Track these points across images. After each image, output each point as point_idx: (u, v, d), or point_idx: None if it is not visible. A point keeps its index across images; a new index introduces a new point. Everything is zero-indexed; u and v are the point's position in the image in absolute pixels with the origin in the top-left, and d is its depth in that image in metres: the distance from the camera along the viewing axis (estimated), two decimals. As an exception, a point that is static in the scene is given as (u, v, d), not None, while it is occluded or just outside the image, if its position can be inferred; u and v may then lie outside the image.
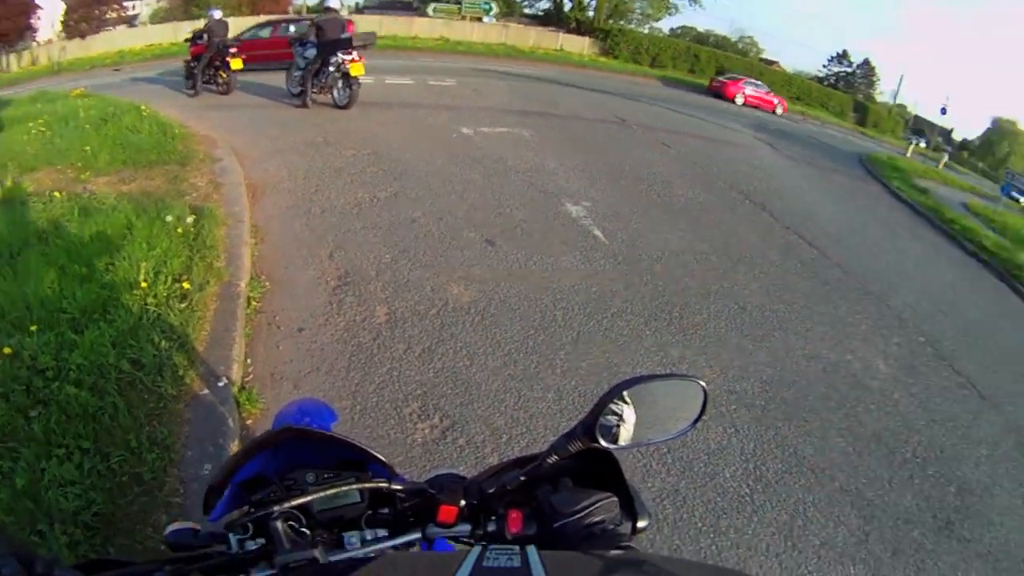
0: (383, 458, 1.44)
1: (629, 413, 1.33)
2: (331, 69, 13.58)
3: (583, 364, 6.16)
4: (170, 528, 1.30)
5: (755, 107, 42.16)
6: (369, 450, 1.43)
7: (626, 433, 1.33)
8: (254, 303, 5.81)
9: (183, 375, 4.54)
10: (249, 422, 4.48)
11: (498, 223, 8.79)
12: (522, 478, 1.38)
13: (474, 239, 8.11)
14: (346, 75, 13.48)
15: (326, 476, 1.42)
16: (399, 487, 1.38)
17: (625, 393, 1.31)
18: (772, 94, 45.47)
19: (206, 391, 4.49)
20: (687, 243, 10.06)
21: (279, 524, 1.24)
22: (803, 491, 5.57)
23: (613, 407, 1.30)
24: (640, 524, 1.37)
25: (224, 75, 14.95)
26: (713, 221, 11.54)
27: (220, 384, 4.58)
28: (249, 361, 5.07)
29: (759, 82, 45.67)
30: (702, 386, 1.41)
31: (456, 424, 4.91)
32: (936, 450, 7.00)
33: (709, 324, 7.72)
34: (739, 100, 41.79)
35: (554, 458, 1.34)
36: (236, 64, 14.75)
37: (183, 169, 8.57)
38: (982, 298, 13.65)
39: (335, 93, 13.88)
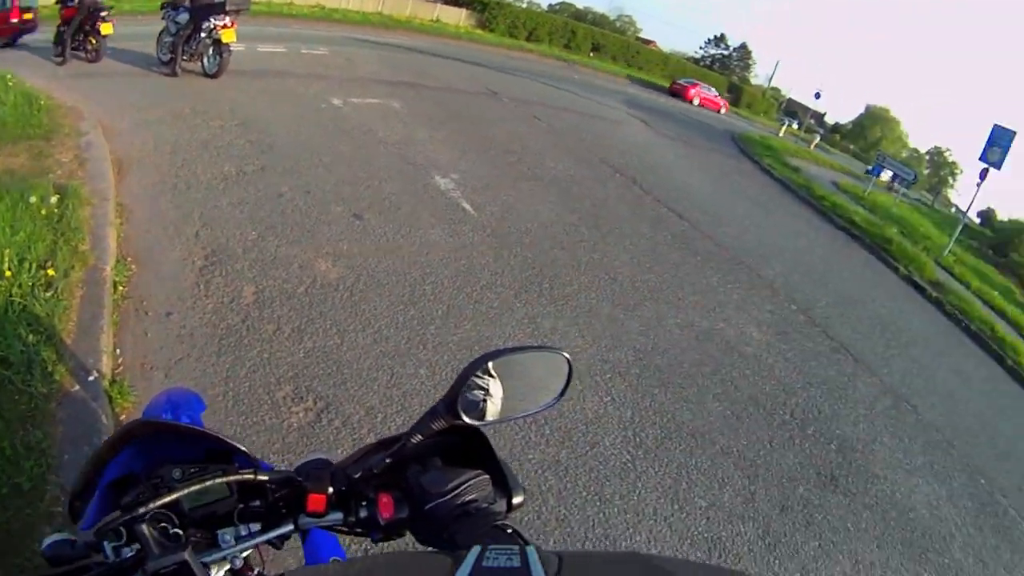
0: (245, 448, 1.41)
1: (495, 387, 1.32)
2: (203, 35, 13.04)
3: (454, 338, 6.23)
4: (46, 541, 1.24)
5: (705, 107, 46.37)
6: (230, 441, 1.39)
7: (492, 408, 1.33)
8: (121, 288, 5.59)
9: (52, 371, 4.34)
10: (122, 417, 4.33)
11: (366, 196, 8.73)
12: (387, 460, 1.35)
13: (342, 213, 8.04)
14: (217, 41, 12.97)
15: (192, 471, 1.34)
16: (266, 477, 1.34)
17: (490, 366, 1.29)
18: (719, 97, 51.08)
19: (76, 387, 4.32)
20: (557, 215, 10.24)
21: (146, 528, 1.19)
22: (685, 455, 5.77)
23: (477, 381, 1.29)
24: (515, 500, 1.36)
25: (94, 41, 13.73)
26: (583, 194, 11.74)
27: (90, 378, 4.41)
28: (118, 351, 4.89)
29: (710, 87, 51.32)
30: (566, 358, 1.40)
31: (330, 405, 4.90)
32: (814, 411, 7.32)
33: (580, 295, 7.89)
34: (696, 101, 46.72)
35: (418, 438, 1.31)
36: (107, 29, 13.55)
37: (48, 144, 8.12)
38: (852, 269, 14.26)
39: (205, 61, 13.31)
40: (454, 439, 1.41)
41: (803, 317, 9.78)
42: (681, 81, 49.68)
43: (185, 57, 13.24)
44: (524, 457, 5.10)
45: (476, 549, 0.88)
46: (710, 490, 5.52)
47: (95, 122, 9.20)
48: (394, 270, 7.09)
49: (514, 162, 12.29)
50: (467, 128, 13.94)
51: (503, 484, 1.36)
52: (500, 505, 1.32)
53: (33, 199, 6.27)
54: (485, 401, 1.31)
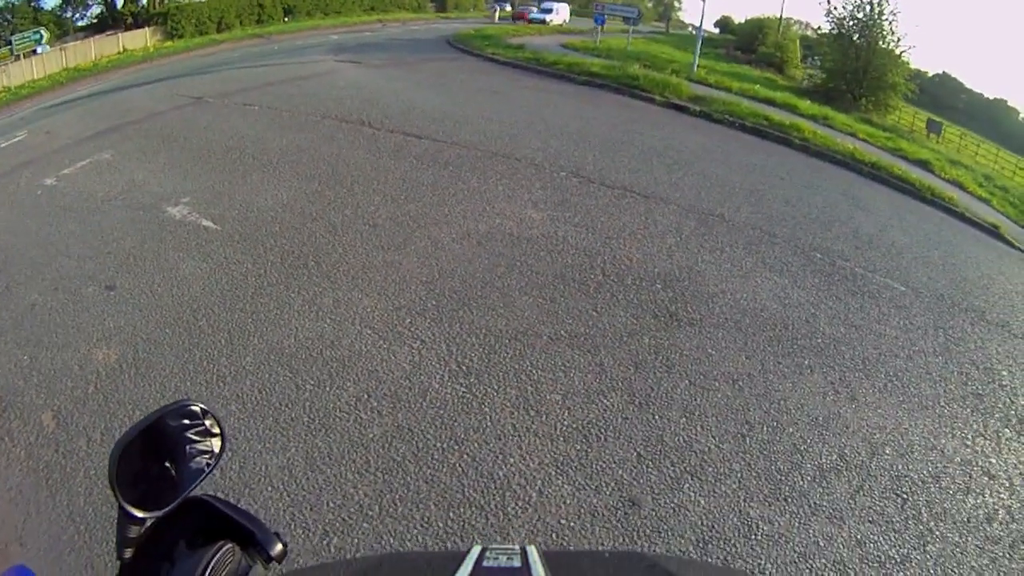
0: None
1: (216, 444, 1.33)
2: None
3: (247, 360, 6.26)
4: None
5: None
6: None
7: (152, 494, 1.25)
8: None
9: None
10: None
11: (110, 263, 8.37)
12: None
13: (95, 292, 7.71)
14: None
15: None
16: None
17: (122, 449, 1.21)
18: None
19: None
20: (296, 191, 10.34)
21: None
22: None
23: (199, 447, 1.30)
24: (274, 553, 1.32)
25: None
26: (316, 157, 11.81)
27: None
28: None
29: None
30: (200, 408, 1.37)
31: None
32: (625, 262, 7.69)
33: (348, 257, 8.11)
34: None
35: (127, 551, 1.23)
36: None
37: None
38: (608, 115, 14.59)
39: None
40: (188, 519, 1.34)
41: (576, 179, 10.04)
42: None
43: None
44: (363, 436, 5.24)
45: (476, 549, 0.92)
46: (558, 382, 5.87)
47: None
48: (165, 323, 6.93)
49: (237, 158, 12.06)
50: (181, 146, 13.51)
51: (253, 541, 1.32)
52: (257, 570, 1.30)
53: None
54: (209, 464, 1.34)
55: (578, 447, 5.12)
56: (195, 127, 14.97)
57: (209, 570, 1.20)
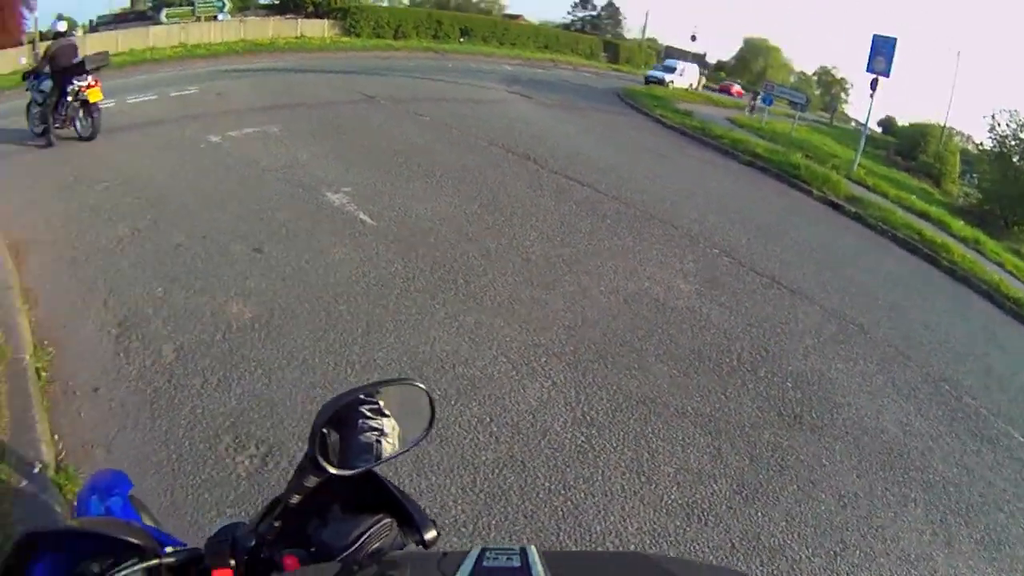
0: (135, 536, 1.37)
1: (389, 425, 1.31)
2: (69, 99, 12.60)
3: (380, 354, 6.27)
4: None
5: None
6: (122, 538, 1.35)
7: (389, 446, 1.30)
8: (44, 374, 5.52)
9: (-3, 473, 4.38)
10: (75, 503, 4.31)
11: (262, 229, 8.66)
12: (276, 524, 1.34)
13: (242, 251, 7.97)
14: (85, 103, 12.63)
15: (108, 563, 1.33)
16: (171, 560, 1.33)
17: (381, 404, 1.29)
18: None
19: (24, 482, 4.32)
20: (456, 208, 10.30)
21: None
22: (640, 424, 5.89)
23: (371, 423, 1.28)
24: (427, 537, 1.36)
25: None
26: (478, 180, 11.76)
27: (35, 471, 4.41)
28: (56, 437, 4.85)
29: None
30: (422, 388, 1.39)
31: (273, 448, 4.93)
32: (761, 351, 7.55)
33: (496, 283, 7.94)
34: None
35: (296, 497, 1.29)
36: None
37: None
38: (767, 201, 14.43)
39: (77, 125, 12.91)
40: (350, 484, 1.38)
41: (728, 259, 9.88)
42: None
43: (57, 124, 12.80)
44: (476, 458, 5.14)
45: (477, 549, 0.91)
46: (674, 455, 5.58)
47: (-23, 210, 9.03)
48: (305, 298, 7.07)
49: (403, 163, 12.27)
50: (349, 139, 13.87)
51: (410, 522, 1.38)
52: (409, 548, 1.33)
53: (-66, 304, 6.18)
54: (379, 442, 1.30)
55: (678, 523, 4.91)
56: (365, 124, 15.36)
57: (366, 536, 1.28)
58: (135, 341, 6.08)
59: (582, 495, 4.95)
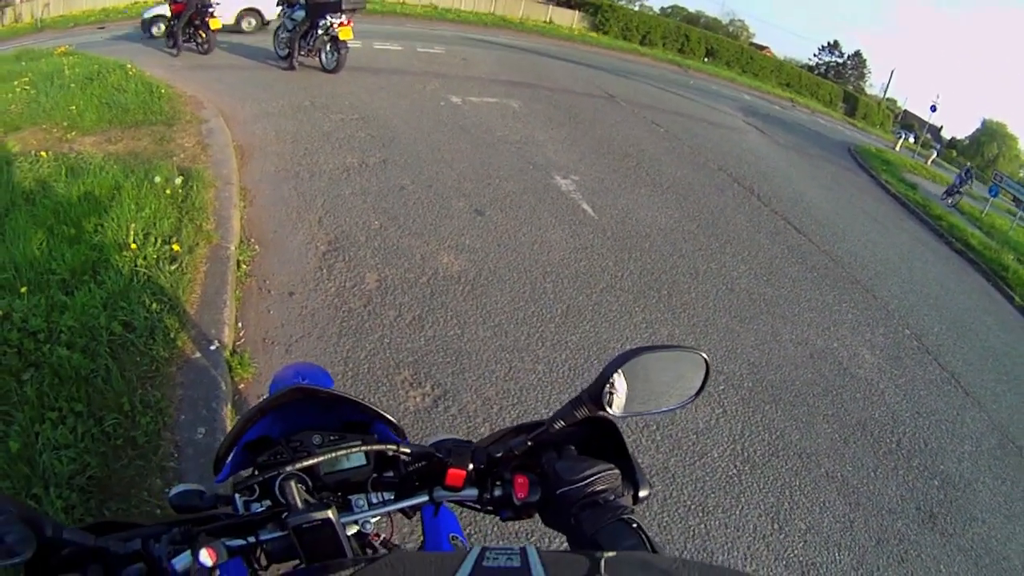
0: (392, 418, 1.46)
1: (620, 383, 1.32)
2: (319, 32, 13.42)
3: (572, 338, 6.19)
4: (174, 490, 1.28)
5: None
6: (377, 409, 1.45)
7: (618, 401, 1.32)
8: (244, 266, 5.77)
9: (174, 338, 4.52)
10: (241, 386, 4.47)
11: (487, 193, 8.78)
12: (529, 443, 1.37)
13: (463, 208, 8.10)
14: (335, 39, 13.35)
15: (332, 438, 1.43)
16: (407, 450, 1.39)
17: (629, 363, 1.29)
18: None
19: (198, 354, 4.47)
20: (675, 222, 10.09)
21: (292, 484, 1.24)
22: (790, 475, 5.68)
23: (616, 376, 1.29)
24: (642, 494, 1.38)
25: (203, 35, 14.82)
26: (701, 201, 11.56)
27: (212, 348, 4.57)
28: (240, 325, 5.05)
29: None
30: (704, 359, 1.40)
31: (448, 393, 4.93)
32: (920, 443, 7.11)
33: (698, 304, 7.76)
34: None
35: (560, 424, 1.33)
36: (215, 24, 14.62)
37: (170, 130, 8.45)
38: (967, 295, 13.72)
39: (323, 57, 13.73)
40: (588, 430, 1.44)
41: (916, 343, 9.47)
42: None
43: (302, 53, 13.67)
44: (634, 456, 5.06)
45: (476, 549, 0.90)
46: (811, 513, 5.41)
47: (215, 111, 9.49)
48: (515, 267, 7.12)
49: (633, 167, 12.17)
50: (585, 131, 13.89)
51: (631, 477, 1.38)
52: (627, 498, 1.34)
53: (158, 179, 6.51)
54: (611, 395, 1.31)
55: None
56: (602, 121, 15.41)
57: (595, 477, 1.29)
58: (340, 262, 6.24)
59: (717, 523, 4.86)
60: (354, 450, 1.36)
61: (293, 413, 1.50)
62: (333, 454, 1.33)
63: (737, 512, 5.02)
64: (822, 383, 7.26)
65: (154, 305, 4.70)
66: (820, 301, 9.28)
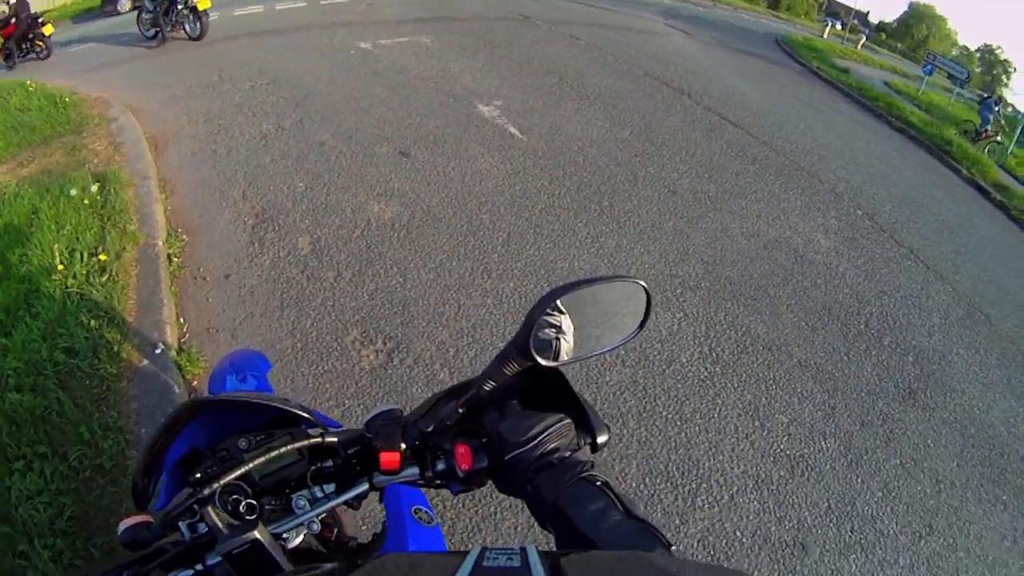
0: (307, 413, 1.40)
1: (566, 323, 1.22)
2: (179, 7, 14.01)
3: (518, 265, 6.24)
4: (122, 527, 1.23)
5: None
6: (290, 409, 1.39)
7: (566, 346, 1.23)
8: (175, 259, 5.71)
9: (119, 351, 4.48)
10: (195, 383, 4.45)
11: (409, 134, 8.71)
12: (460, 410, 1.30)
13: (387, 153, 8.05)
14: (194, 9, 13.84)
15: (259, 439, 1.38)
16: (335, 439, 1.34)
17: (559, 302, 1.18)
18: None
19: (145, 362, 4.45)
20: (607, 132, 10.11)
21: (211, 511, 1.17)
22: (762, 369, 5.82)
23: (549, 319, 1.19)
24: (599, 440, 1.29)
25: (40, 43, 15.43)
26: (631, 108, 11.54)
27: (157, 352, 4.54)
28: (182, 320, 5.02)
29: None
30: (642, 286, 1.30)
31: (400, 345, 4.96)
32: (889, 320, 7.36)
33: (641, 210, 7.82)
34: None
35: (490, 384, 1.25)
36: (48, 30, 15.25)
37: (80, 137, 8.27)
38: (914, 172, 13.89)
39: (187, 27, 14.32)
40: (530, 380, 1.34)
41: (870, 222, 9.56)
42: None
43: (168, 28, 14.30)
44: (600, 378, 5.14)
45: (476, 549, 0.88)
46: (790, 405, 5.51)
47: (123, 107, 9.33)
48: (448, 203, 7.12)
49: (556, 83, 12.11)
50: (502, 55, 13.78)
51: (585, 424, 1.30)
52: (584, 452, 1.26)
53: (74, 192, 6.42)
54: (557, 339, 1.22)
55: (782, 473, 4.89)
56: (519, 42, 15.26)
57: (546, 434, 1.21)
58: (271, 232, 6.21)
59: (697, 429, 4.97)
60: (283, 450, 1.29)
61: (216, 418, 1.46)
62: (262, 458, 1.26)
63: (716, 415, 5.13)
64: (781, 273, 7.39)
65: (92, 323, 4.65)
66: (766, 192, 9.36)
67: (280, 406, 1.39)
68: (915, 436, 5.73)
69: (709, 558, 4.13)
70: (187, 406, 1.38)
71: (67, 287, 5.01)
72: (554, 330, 1.20)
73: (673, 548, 1.04)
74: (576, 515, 1.09)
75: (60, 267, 5.18)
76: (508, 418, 1.29)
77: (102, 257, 5.39)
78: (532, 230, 6.88)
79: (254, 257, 5.83)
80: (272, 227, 6.29)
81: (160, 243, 5.81)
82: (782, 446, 5.06)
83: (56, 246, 5.41)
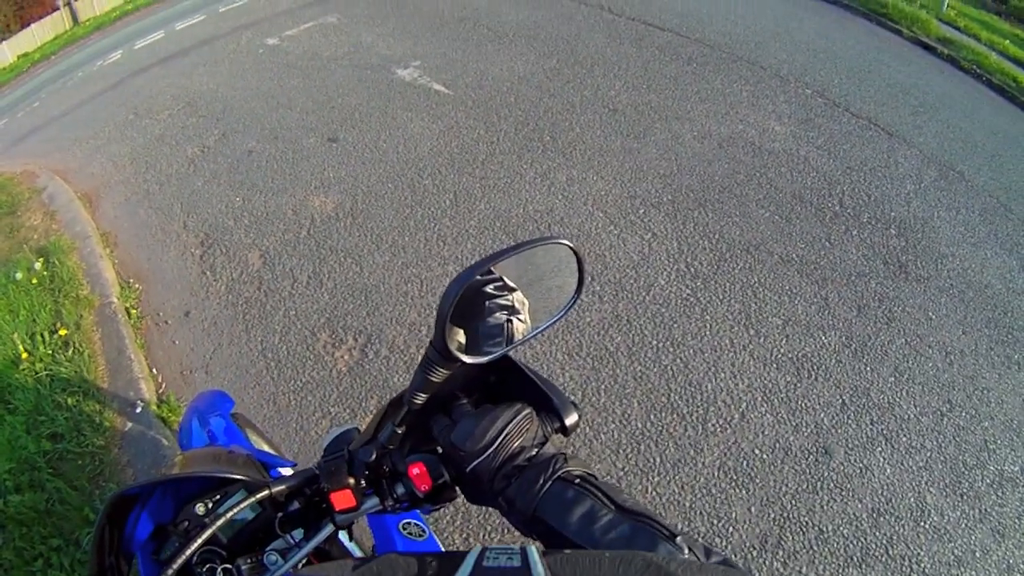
0: (239, 472, 1.35)
1: (519, 298, 1.15)
2: None
3: (472, 223, 6.30)
4: None
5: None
6: (223, 475, 1.34)
7: (522, 325, 1.16)
8: (133, 312, 5.72)
9: (100, 421, 4.51)
10: (179, 430, 4.49)
11: (334, 117, 8.69)
12: (399, 431, 1.25)
13: (316, 143, 8.04)
14: None
15: (216, 500, 1.35)
16: (282, 487, 1.29)
17: (505, 278, 1.12)
18: None
19: (129, 424, 4.49)
20: (533, 65, 10.06)
21: None
22: (745, 273, 5.91)
23: (498, 301, 1.12)
24: (568, 422, 1.21)
25: None
26: (553, 36, 11.45)
27: (138, 411, 4.58)
28: (154, 371, 5.04)
29: None
30: (569, 245, 1.18)
31: (372, 337, 5.02)
32: (863, 196, 7.58)
33: (585, 136, 7.84)
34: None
35: (421, 396, 1.17)
36: None
37: (15, 217, 8.16)
38: (856, 40, 13.79)
39: None
40: (476, 371, 1.28)
41: (821, 100, 9.53)
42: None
43: None
44: (580, 320, 5.22)
45: (477, 549, 0.89)
46: (781, 305, 5.57)
47: (49, 173, 9.26)
48: (387, 178, 7.12)
49: (471, 28, 11.99)
50: (412, 14, 13.54)
51: (549, 407, 1.22)
52: (553, 443, 1.20)
53: (19, 275, 6.37)
54: (510, 321, 1.14)
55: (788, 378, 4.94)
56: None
57: (505, 435, 1.14)
58: (220, 256, 6.23)
59: (690, 352, 5.03)
60: (239, 508, 1.22)
61: (176, 487, 1.43)
62: (219, 523, 1.20)
63: (707, 333, 5.21)
64: (742, 169, 7.43)
65: (69, 401, 4.67)
66: (709, 90, 9.35)
67: (207, 474, 1.36)
68: (915, 311, 5.80)
69: (732, 485, 4.20)
70: (112, 503, 1.33)
71: (36, 373, 5.00)
72: (505, 312, 1.13)
73: (684, 531, 1.00)
74: (561, 525, 1.04)
75: (24, 355, 5.16)
76: (459, 422, 1.21)
77: (62, 332, 5.39)
78: (478, 184, 6.90)
79: (208, 286, 5.85)
80: (219, 250, 6.30)
81: (115, 299, 5.82)
82: (782, 350, 5.15)
83: (15, 335, 5.40)
